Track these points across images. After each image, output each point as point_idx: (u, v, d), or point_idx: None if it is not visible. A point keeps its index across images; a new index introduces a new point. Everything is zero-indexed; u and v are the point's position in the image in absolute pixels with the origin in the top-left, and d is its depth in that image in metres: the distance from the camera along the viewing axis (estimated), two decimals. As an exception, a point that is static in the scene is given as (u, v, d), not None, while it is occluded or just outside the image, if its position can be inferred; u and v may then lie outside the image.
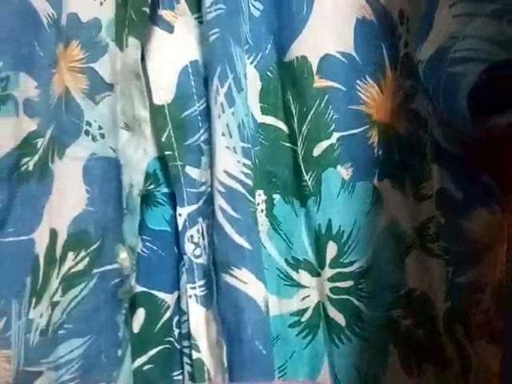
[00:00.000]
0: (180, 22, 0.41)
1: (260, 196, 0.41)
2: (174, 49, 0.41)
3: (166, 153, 0.41)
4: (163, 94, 0.41)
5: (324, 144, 0.40)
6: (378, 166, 0.40)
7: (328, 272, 0.41)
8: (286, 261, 0.41)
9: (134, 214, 0.40)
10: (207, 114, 0.41)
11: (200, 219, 0.41)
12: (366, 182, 0.40)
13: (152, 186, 0.42)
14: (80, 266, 0.39)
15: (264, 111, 0.41)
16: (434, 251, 0.40)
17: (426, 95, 0.36)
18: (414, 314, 0.40)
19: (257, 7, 0.41)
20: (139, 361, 0.42)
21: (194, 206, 0.41)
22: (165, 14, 0.41)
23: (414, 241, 0.41)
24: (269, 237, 0.41)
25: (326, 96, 0.40)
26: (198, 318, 0.41)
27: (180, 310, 0.42)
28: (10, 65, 0.36)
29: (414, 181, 0.41)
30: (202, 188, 0.41)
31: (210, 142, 0.40)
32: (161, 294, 0.42)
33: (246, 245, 0.39)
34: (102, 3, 0.40)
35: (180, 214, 0.41)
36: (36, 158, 0.37)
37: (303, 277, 0.41)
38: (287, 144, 0.41)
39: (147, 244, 0.42)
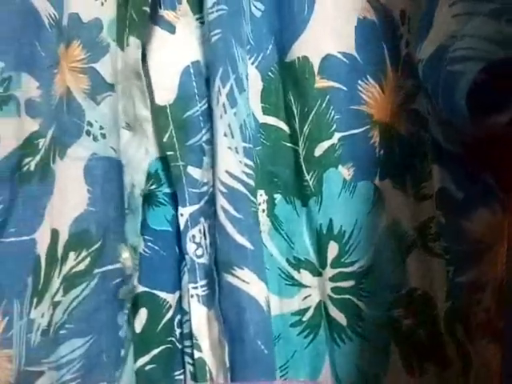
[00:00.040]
0: (182, 23, 0.41)
1: (261, 196, 0.41)
2: (175, 49, 0.41)
3: (168, 153, 0.41)
4: (165, 95, 0.41)
5: (325, 144, 0.40)
6: (380, 165, 0.40)
7: (329, 272, 0.40)
8: (288, 260, 0.41)
9: (136, 213, 0.40)
10: (209, 114, 0.40)
11: (202, 219, 0.41)
12: (368, 181, 0.40)
13: (154, 186, 0.42)
14: (81, 266, 0.39)
15: (265, 111, 0.41)
16: (435, 251, 0.40)
17: (425, 94, 0.36)
18: (415, 313, 0.40)
19: (258, 7, 0.41)
20: (141, 361, 0.41)
21: (196, 206, 0.41)
22: (166, 14, 0.40)
23: (415, 240, 0.40)
24: (270, 237, 0.41)
25: (328, 96, 0.39)
26: (200, 318, 0.40)
27: (181, 310, 0.41)
28: (11, 65, 0.35)
29: (414, 181, 0.40)
30: (204, 188, 0.41)
31: (211, 142, 0.40)
32: (163, 294, 0.41)
33: (248, 245, 0.38)
34: (102, 3, 0.40)
35: (182, 214, 0.41)
36: (38, 158, 0.37)
37: (304, 276, 0.41)
38: (288, 144, 0.41)
39: (149, 244, 0.42)
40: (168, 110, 0.40)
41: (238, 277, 0.38)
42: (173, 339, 0.42)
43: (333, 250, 0.40)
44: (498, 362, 0.37)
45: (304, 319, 0.41)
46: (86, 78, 0.39)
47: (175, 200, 0.41)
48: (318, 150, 0.40)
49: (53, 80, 0.37)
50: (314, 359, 0.41)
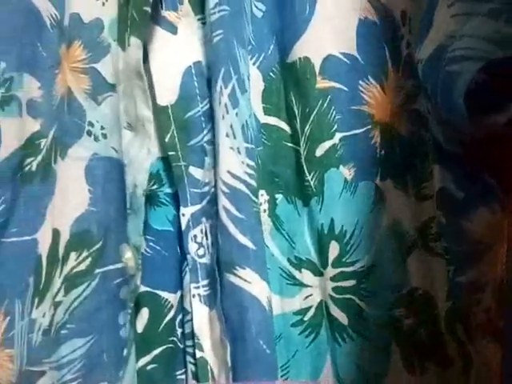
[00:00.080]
0: (183, 23, 0.40)
1: (262, 196, 0.40)
2: (177, 50, 0.40)
3: (170, 153, 0.40)
4: (167, 95, 0.40)
5: (326, 144, 0.39)
6: (381, 166, 0.39)
7: (330, 271, 0.40)
8: (289, 260, 0.40)
9: (139, 213, 0.40)
10: (210, 114, 0.40)
11: (203, 219, 0.40)
12: (369, 182, 0.39)
13: (155, 186, 0.41)
14: (82, 266, 0.38)
15: (267, 112, 0.40)
16: (436, 251, 0.39)
17: (425, 94, 0.36)
18: (416, 313, 0.40)
19: (259, 8, 0.40)
20: (143, 360, 0.41)
21: (198, 206, 0.40)
22: (168, 14, 0.40)
23: (416, 240, 0.40)
24: (271, 236, 0.40)
25: (329, 96, 0.39)
26: (202, 318, 0.40)
27: (183, 310, 0.41)
28: (13, 66, 0.35)
29: (415, 181, 0.40)
30: (206, 188, 0.40)
31: (213, 142, 0.39)
32: (164, 294, 0.41)
33: (250, 245, 0.38)
34: (104, 3, 0.39)
35: (183, 214, 0.40)
36: (39, 158, 0.36)
37: (306, 276, 0.40)
38: (290, 144, 0.41)
39: (150, 244, 0.41)
40: (170, 111, 0.40)
41: (240, 276, 0.38)
42: (174, 339, 0.41)
43: (334, 249, 0.39)
44: (499, 361, 0.37)
45: (305, 319, 0.40)
46: (87, 78, 0.39)
47: (177, 200, 0.41)
48: (319, 150, 0.39)
49: (54, 80, 0.37)
50: (315, 359, 0.40)
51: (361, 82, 0.39)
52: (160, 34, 0.40)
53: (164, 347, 0.41)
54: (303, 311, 0.40)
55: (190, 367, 0.40)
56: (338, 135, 0.39)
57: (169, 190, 0.41)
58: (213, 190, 0.40)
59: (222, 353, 0.39)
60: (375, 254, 0.39)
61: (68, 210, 0.38)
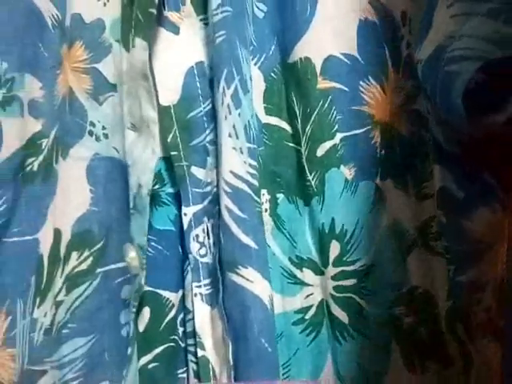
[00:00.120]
0: (185, 24, 0.39)
1: (264, 195, 0.39)
2: (179, 50, 0.39)
3: (172, 153, 0.39)
4: (169, 95, 0.39)
5: (327, 144, 0.38)
6: (381, 165, 0.39)
7: (331, 270, 0.39)
8: (290, 259, 0.40)
9: (144, 213, 0.39)
10: (212, 114, 0.39)
11: (205, 219, 0.39)
12: (369, 181, 0.39)
13: (157, 186, 0.40)
14: (84, 266, 0.37)
15: (268, 112, 0.40)
16: (437, 250, 0.39)
17: (424, 95, 0.35)
18: (417, 311, 0.39)
19: (260, 8, 0.39)
20: (144, 359, 0.40)
21: (200, 206, 0.39)
22: (170, 15, 0.39)
23: (416, 239, 0.39)
24: (273, 236, 0.40)
25: (330, 97, 0.38)
26: (204, 317, 0.39)
27: (185, 309, 0.40)
28: (15, 66, 0.34)
29: (416, 180, 0.39)
30: (208, 188, 0.39)
31: (215, 142, 0.39)
32: (166, 293, 0.40)
33: (253, 244, 0.37)
34: (105, 4, 0.38)
35: (185, 214, 0.39)
36: (40, 158, 0.36)
37: (307, 275, 0.40)
38: (291, 144, 0.40)
39: (152, 244, 0.40)
40: (172, 111, 0.39)
41: (242, 276, 0.37)
42: (176, 338, 0.40)
43: (335, 248, 0.39)
44: (499, 361, 0.36)
45: (306, 317, 0.40)
46: (89, 78, 0.38)
47: (178, 200, 0.40)
48: (320, 150, 0.39)
49: (55, 80, 0.36)
50: (316, 357, 0.40)
51: (361, 82, 0.38)
52: (162, 34, 0.39)
53: (165, 346, 0.40)
54: (304, 310, 0.40)
55: (192, 366, 0.40)
56: (339, 135, 0.38)
57: (171, 190, 0.41)
58: (215, 189, 0.39)
59: (223, 351, 0.38)
60: (375, 253, 0.39)
61: (69, 209, 0.37)
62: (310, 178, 0.39)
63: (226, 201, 0.37)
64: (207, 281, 0.39)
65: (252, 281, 0.37)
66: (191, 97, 0.39)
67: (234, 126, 0.37)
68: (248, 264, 0.37)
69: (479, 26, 0.31)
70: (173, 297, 0.40)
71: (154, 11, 0.38)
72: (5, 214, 0.34)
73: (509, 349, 0.36)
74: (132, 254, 0.38)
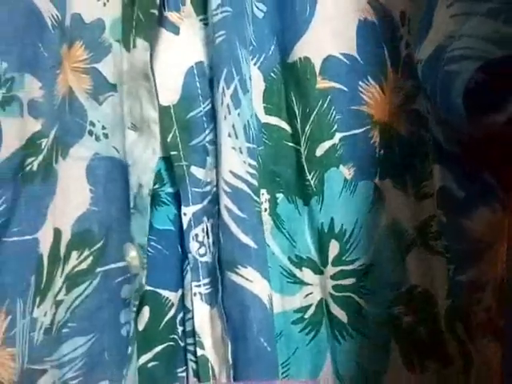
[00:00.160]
0: (185, 24, 0.38)
1: (263, 195, 0.38)
2: (179, 50, 0.38)
3: (172, 153, 0.38)
4: (169, 95, 0.38)
5: (326, 144, 0.38)
6: (380, 165, 0.38)
7: (330, 270, 0.38)
8: (290, 259, 0.39)
9: (145, 213, 0.38)
10: (212, 114, 0.38)
11: (205, 218, 0.38)
12: (368, 181, 0.38)
13: (157, 186, 0.39)
14: (84, 265, 0.36)
15: (267, 111, 0.39)
16: (436, 249, 0.38)
17: (424, 95, 0.34)
18: (416, 310, 0.38)
19: (260, 8, 0.38)
20: (144, 358, 0.39)
21: (199, 206, 0.38)
22: (170, 15, 0.38)
23: (416, 239, 0.38)
24: (272, 235, 0.39)
25: (329, 97, 0.37)
26: (203, 316, 0.38)
27: (184, 308, 0.39)
28: (15, 66, 0.33)
29: (415, 180, 0.38)
30: (207, 188, 0.38)
31: (215, 142, 0.38)
32: (165, 292, 0.39)
33: (252, 244, 0.36)
34: (105, 4, 0.37)
35: (185, 214, 0.38)
36: (40, 158, 0.35)
37: (306, 274, 0.39)
38: (290, 144, 0.39)
39: (152, 243, 0.39)
40: (172, 111, 0.38)
41: (241, 275, 0.36)
42: (175, 337, 0.39)
43: (334, 248, 0.38)
44: (499, 360, 0.35)
45: (306, 316, 0.39)
46: (89, 78, 0.37)
47: (178, 200, 0.39)
48: (320, 150, 0.38)
49: (55, 80, 0.35)
50: (315, 356, 0.39)
51: (360, 82, 0.38)
52: (162, 34, 0.38)
53: (165, 345, 0.39)
54: (303, 309, 0.39)
55: (191, 365, 0.39)
56: (338, 135, 0.38)
57: (170, 190, 0.40)
58: (214, 189, 0.38)
59: (222, 351, 0.37)
60: (374, 253, 0.38)
61: (69, 209, 0.36)
62: (310, 177, 0.38)
63: (225, 200, 0.36)
64: (206, 280, 0.38)
65: (251, 280, 0.36)
66: (191, 97, 0.38)
67: (233, 126, 0.36)
68: (247, 263, 0.36)
69: (479, 25, 0.30)
70: (172, 296, 0.39)
71: (156, 12, 0.37)
72: (4, 213, 0.34)
73: (509, 348, 0.35)
74: (133, 254, 0.38)
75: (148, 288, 0.39)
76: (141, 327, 0.39)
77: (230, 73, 0.36)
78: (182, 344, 0.39)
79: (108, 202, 0.37)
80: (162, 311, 0.39)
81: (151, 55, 0.38)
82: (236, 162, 0.36)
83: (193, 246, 0.38)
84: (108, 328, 0.37)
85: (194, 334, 0.38)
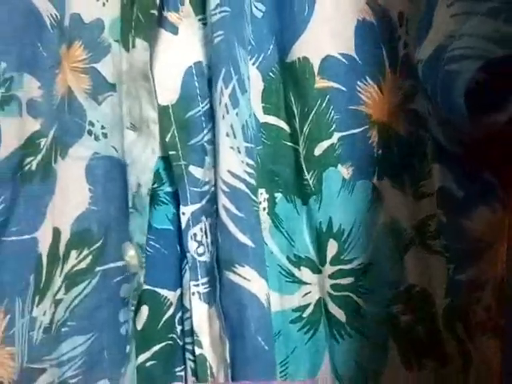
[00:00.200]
0: (184, 24, 0.37)
1: (262, 194, 0.37)
2: (178, 50, 0.37)
3: (170, 152, 0.37)
4: (167, 95, 0.37)
5: (325, 144, 0.37)
6: (378, 165, 0.37)
7: (329, 269, 0.37)
8: (288, 258, 0.38)
9: (143, 212, 0.37)
10: (211, 114, 0.37)
11: (203, 218, 0.38)
12: (366, 181, 0.37)
13: (155, 185, 0.38)
14: (83, 265, 0.36)
15: (266, 111, 0.38)
16: (435, 248, 0.37)
17: (425, 95, 0.33)
18: (414, 309, 0.37)
19: (259, 8, 0.37)
20: (142, 357, 0.38)
21: (198, 205, 0.38)
22: (169, 15, 0.37)
23: (414, 238, 0.37)
24: (271, 234, 0.38)
25: (327, 96, 0.36)
26: (201, 315, 0.37)
27: (183, 307, 0.38)
28: (13, 65, 0.33)
29: (413, 180, 0.37)
30: (206, 187, 0.37)
31: (213, 142, 0.37)
32: (164, 292, 0.38)
33: (250, 243, 0.35)
34: (104, 4, 0.36)
35: (183, 213, 0.38)
36: (39, 157, 0.34)
37: (305, 274, 0.38)
38: (289, 143, 0.38)
39: (151, 242, 0.38)
40: (170, 110, 0.37)
41: (239, 274, 0.35)
42: (174, 336, 0.38)
43: (332, 247, 0.37)
44: (498, 359, 0.34)
45: (304, 315, 0.38)
46: (88, 78, 0.36)
47: (176, 199, 0.38)
48: (318, 150, 0.37)
49: (54, 80, 0.34)
50: (313, 355, 0.38)
51: (359, 82, 0.36)
52: (161, 34, 0.37)
53: (163, 344, 0.38)
54: (302, 308, 0.38)
55: (189, 364, 0.38)
56: (337, 135, 0.36)
57: (169, 189, 0.39)
58: (212, 189, 0.37)
59: (220, 350, 0.36)
60: (372, 252, 0.37)
61: (68, 209, 0.35)
62: (308, 177, 0.37)
63: (223, 200, 0.35)
64: (205, 279, 0.37)
65: (249, 279, 0.35)
66: (190, 96, 0.37)
67: (231, 126, 0.35)
68: (245, 263, 0.35)
69: (479, 25, 0.30)
70: (171, 295, 0.38)
71: (156, 12, 0.36)
72: (3, 213, 0.33)
73: (508, 347, 0.34)
74: (131, 253, 0.37)
75: (147, 287, 0.38)
76: (139, 326, 0.38)
77: (228, 72, 0.35)
78: (181, 343, 0.38)
79: (107, 201, 0.36)
80: (160, 310, 0.38)
81: (150, 55, 0.37)
82: (234, 162, 0.35)
83: (191, 245, 0.38)
84: (107, 327, 0.36)
85: (192, 333, 0.37)
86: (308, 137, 0.37)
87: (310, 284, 0.38)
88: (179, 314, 0.39)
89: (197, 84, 0.37)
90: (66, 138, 0.36)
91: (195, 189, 0.38)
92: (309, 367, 0.38)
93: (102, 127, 0.37)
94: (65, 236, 0.35)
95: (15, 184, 0.33)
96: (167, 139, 0.38)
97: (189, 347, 0.38)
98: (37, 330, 0.34)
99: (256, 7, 0.37)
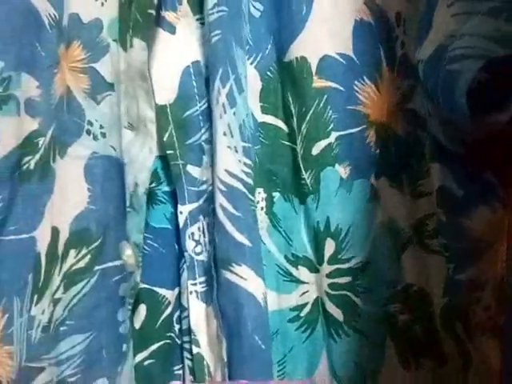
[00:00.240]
0: (182, 23, 0.36)
1: (260, 194, 0.37)
2: (176, 50, 0.37)
3: (168, 152, 0.37)
4: (165, 94, 0.36)
5: (322, 143, 0.36)
6: (376, 164, 0.36)
7: (326, 268, 0.36)
8: (286, 257, 0.37)
9: (140, 212, 0.36)
10: (208, 113, 0.36)
11: (201, 217, 0.37)
12: (364, 180, 0.36)
13: (153, 185, 0.38)
14: (81, 264, 0.35)
15: (264, 110, 0.37)
16: (432, 248, 0.36)
17: (426, 95, 0.32)
18: (411, 309, 0.36)
19: (257, 8, 0.36)
20: (140, 356, 0.37)
21: (195, 204, 0.37)
22: (167, 15, 0.36)
23: (411, 237, 0.36)
24: (268, 234, 0.37)
25: (325, 96, 0.35)
26: (199, 314, 0.36)
27: (181, 306, 0.37)
28: (11, 65, 0.32)
29: (411, 179, 0.36)
30: (203, 186, 0.37)
31: (211, 141, 0.36)
32: (162, 291, 0.37)
33: (246, 242, 0.34)
34: (103, 3, 0.35)
35: (181, 212, 0.37)
36: (37, 157, 0.33)
37: (302, 273, 0.37)
38: (287, 143, 0.37)
39: (148, 241, 0.37)
40: (168, 110, 0.36)
41: (236, 273, 0.34)
42: (172, 335, 0.37)
43: (330, 246, 0.36)
44: (498, 359, 0.33)
45: (302, 315, 0.37)
46: (86, 77, 0.35)
47: (174, 198, 0.37)
48: (316, 149, 0.36)
49: (52, 79, 0.33)
50: (311, 354, 0.37)
51: (356, 82, 0.36)
52: (159, 33, 0.36)
53: (161, 343, 0.37)
54: (299, 307, 0.37)
55: (187, 363, 0.37)
56: (334, 134, 0.36)
57: (167, 188, 0.38)
58: (210, 188, 0.36)
59: (218, 349, 0.35)
60: (370, 251, 0.36)
61: (67, 208, 0.34)
62: (306, 176, 0.36)
63: (220, 199, 0.34)
64: (202, 279, 0.36)
65: (246, 278, 0.34)
66: (187, 96, 0.36)
67: (228, 125, 0.34)
68: (242, 262, 0.34)
69: (480, 24, 0.29)
70: (169, 294, 0.37)
71: (154, 12, 0.35)
72: (1, 212, 0.32)
73: (508, 347, 0.33)
74: (128, 252, 0.36)
75: (145, 286, 0.37)
76: (137, 325, 0.37)
77: (225, 72, 0.34)
78: (179, 342, 0.38)
79: (105, 200, 0.35)
80: (158, 309, 0.37)
81: (148, 55, 0.36)
82: (231, 161, 0.35)
83: (189, 244, 0.37)
84: (106, 326, 0.35)
85: (190, 331, 0.36)
86: (306, 136, 0.36)
87: (307, 283, 0.37)
88: (177, 313, 0.38)
89: (194, 83, 0.36)
90: (65, 138, 0.35)
91: (193, 188, 0.37)
92: (306, 366, 0.37)
93: (101, 127, 0.36)
94: (63, 235, 0.34)
95: (13, 183, 0.32)
96: (165, 138, 0.37)
97: (186, 346, 0.37)
98: (35, 329, 0.33)
99: (254, 7, 0.36)
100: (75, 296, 0.35)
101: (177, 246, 0.38)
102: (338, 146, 0.36)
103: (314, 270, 0.37)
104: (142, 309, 0.37)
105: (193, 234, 0.37)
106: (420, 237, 0.36)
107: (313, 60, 0.35)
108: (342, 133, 0.36)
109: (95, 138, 0.36)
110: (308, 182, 0.36)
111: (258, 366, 0.35)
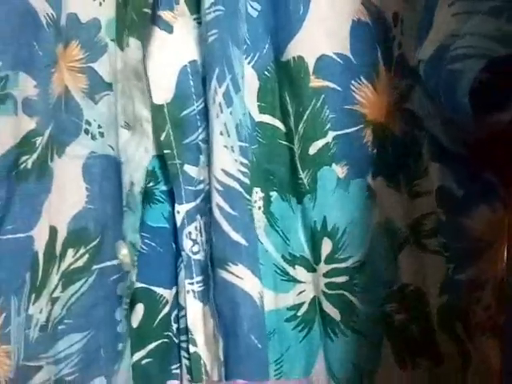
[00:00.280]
0: (179, 23, 0.36)
1: (257, 193, 0.36)
2: (173, 49, 0.36)
3: (165, 151, 0.36)
4: (162, 94, 0.36)
5: (320, 143, 0.35)
6: (373, 164, 0.35)
7: (323, 268, 0.35)
8: (283, 257, 0.36)
9: (136, 211, 0.35)
10: (205, 113, 0.35)
11: (198, 216, 0.36)
12: (361, 180, 0.35)
13: (151, 184, 0.37)
14: (79, 263, 0.34)
15: (261, 110, 0.36)
16: (430, 247, 0.35)
17: (426, 95, 0.31)
18: (408, 308, 0.35)
19: (254, 7, 0.35)
20: (138, 355, 0.36)
21: (192, 204, 0.36)
22: (164, 14, 0.35)
23: (408, 237, 0.35)
24: (266, 233, 0.36)
25: (322, 96, 0.34)
26: (196, 313, 0.36)
27: (178, 305, 0.36)
28: (9, 64, 0.31)
29: (408, 179, 0.35)
30: (200, 186, 0.36)
31: (207, 140, 0.35)
32: (159, 290, 0.36)
33: (243, 241, 0.34)
34: (101, 3, 0.35)
35: (178, 212, 0.36)
36: (35, 156, 0.32)
37: (299, 272, 0.36)
38: (284, 142, 0.36)
39: (146, 241, 0.37)
40: (165, 109, 0.35)
41: (232, 273, 0.34)
42: (169, 334, 0.37)
43: (326, 246, 0.35)
44: (498, 359, 0.33)
45: (299, 314, 0.36)
46: (85, 77, 0.34)
47: (172, 197, 0.36)
48: (313, 149, 0.35)
49: (50, 79, 0.33)
50: (308, 353, 0.36)
51: (353, 81, 0.35)
52: (156, 33, 0.35)
53: (159, 342, 0.36)
54: (296, 307, 0.36)
55: (185, 362, 0.36)
56: (331, 134, 0.35)
57: (164, 188, 0.37)
58: (207, 187, 0.35)
59: (214, 348, 0.35)
60: (367, 251, 0.35)
61: (65, 207, 0.34)
62: (303, 176, 0.35)
63: (217, 199, 0.34)
64: (199, 278, 0.36)
65: (242, 278, 0.34)
66: (184, 95, 0.35)
67: (225, 125, 0.34)
68: (238, 261, 0.34)
69: (481, 24, 0.28)
70: (167, 293, 0.37)
71: (149, 11, 0.34)
72: (-1, 211, 0.31)
73: (508, 347, 0.32)
74: (124, 251, 0.35)
75: (142, 285, 0.36)
76: (135, 324, 0.36)
77: (222, 72, 0.34)
78: (177, 341, 0.37)
79: (103, 200, 0.35)
80: (156, 308, 0.36)
81: (145, 54, 0.35)
82: (228, 161, 0.34)
83: (186, 243, 0.36)
84: (104, 325, 0.35)
85: (187, 331, 0.36)
86: (303, 136, 0.35)
87: (304, 282, 0.36)
88: (175, 312, 0.37)
89: (192, 83, 0.36)
90: (63, 137, 0.34)
91: (190, 187, 0.36)
92: (303, 365, 0.36)
93: (99, 126, 0.35)
94: (61, 234, 0.34)
95: (10, 182, 0.32)
96: (162, 138, 0.36)
97: (184, 345, 0.36)
98: (33, 328, 0.33)
99: (251, 6, 0.35)
100: (73, 295, 0.34)
101: (174, 245, 0.37)
102: (335, 146, 0.35)
103: (311, 269, 0.36)
104: (140, 308, 0.37)
105: (190, 233, 0.36)
106: (417, 237, 0.36)
107: (310, 60, 0.35)
108: (339, 132, 0.35)
109: (93, 137, 0.35)
110: (305, 181, 0.35)
111: (254, 365, 0.34)
